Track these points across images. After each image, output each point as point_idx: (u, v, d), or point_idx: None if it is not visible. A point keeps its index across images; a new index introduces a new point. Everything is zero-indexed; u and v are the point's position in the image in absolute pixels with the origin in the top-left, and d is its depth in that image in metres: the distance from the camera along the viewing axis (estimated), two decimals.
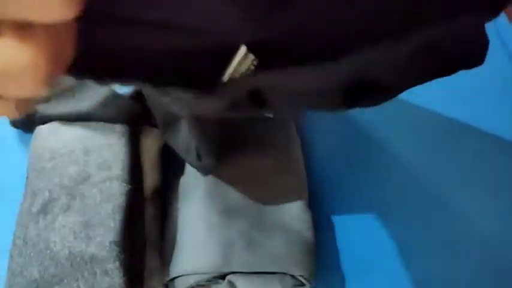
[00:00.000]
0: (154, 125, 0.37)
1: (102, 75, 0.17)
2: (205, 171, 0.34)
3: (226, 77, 0.18)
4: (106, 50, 0.17)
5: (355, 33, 0.18)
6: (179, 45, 0.17)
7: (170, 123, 0.35)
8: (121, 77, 0.17)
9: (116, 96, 0.37)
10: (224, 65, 0.18)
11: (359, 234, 0.37)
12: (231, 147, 0.37)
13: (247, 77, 0.18)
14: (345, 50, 0.18)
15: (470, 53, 0.25)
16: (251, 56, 0.18)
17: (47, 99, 0.40)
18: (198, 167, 0.34)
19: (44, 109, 0.38)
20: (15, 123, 0.41)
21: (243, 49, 0.17)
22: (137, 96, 0.38)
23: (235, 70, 0.18)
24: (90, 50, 0.16)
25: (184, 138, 0.34)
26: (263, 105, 0.22)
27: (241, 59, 0.18)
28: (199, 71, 0.18)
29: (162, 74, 0.18)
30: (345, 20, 0.18)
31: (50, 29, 0.13)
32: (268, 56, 0.18)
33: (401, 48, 0.19)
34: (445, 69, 0.24)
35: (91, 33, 0.15)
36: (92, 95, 0.39)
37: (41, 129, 0.38)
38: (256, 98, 0.21)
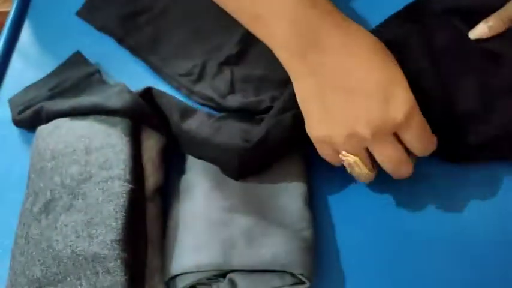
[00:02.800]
0: (156, 126, 0.37)
1: None
2: (235, 173, 0.35)
3: None
4: None
5: None
6: None
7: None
8: None
9: (124, 90, 0.37)
10: None
11: (359, 234, 0.37)
12: None
13: None
14: None
15: None
16: None
17: (51, 97, 0.40)
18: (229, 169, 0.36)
19: (50, 105, 0.38)
20: (18, 122, 0.41)
21: None
22: (146, 94, 0.38)
23: None
24: None
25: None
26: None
27: None
28: None
29: None
30: None
31: None
32: None
33: None
34: None
35: None
36: (97, 93, 0.39)
37: (43, 129, 0.38)
38: None
